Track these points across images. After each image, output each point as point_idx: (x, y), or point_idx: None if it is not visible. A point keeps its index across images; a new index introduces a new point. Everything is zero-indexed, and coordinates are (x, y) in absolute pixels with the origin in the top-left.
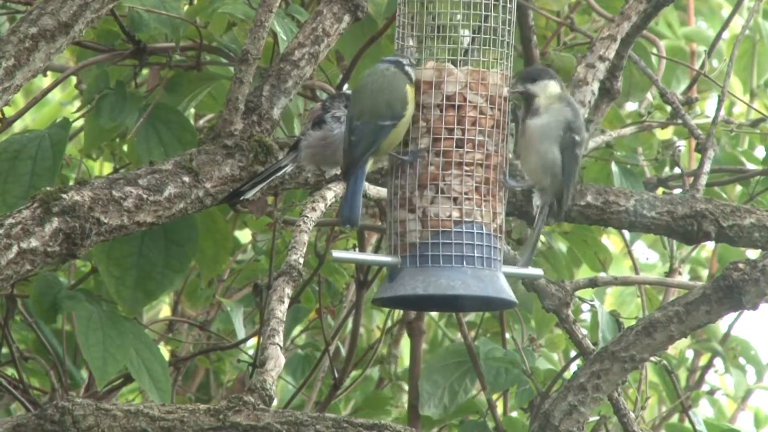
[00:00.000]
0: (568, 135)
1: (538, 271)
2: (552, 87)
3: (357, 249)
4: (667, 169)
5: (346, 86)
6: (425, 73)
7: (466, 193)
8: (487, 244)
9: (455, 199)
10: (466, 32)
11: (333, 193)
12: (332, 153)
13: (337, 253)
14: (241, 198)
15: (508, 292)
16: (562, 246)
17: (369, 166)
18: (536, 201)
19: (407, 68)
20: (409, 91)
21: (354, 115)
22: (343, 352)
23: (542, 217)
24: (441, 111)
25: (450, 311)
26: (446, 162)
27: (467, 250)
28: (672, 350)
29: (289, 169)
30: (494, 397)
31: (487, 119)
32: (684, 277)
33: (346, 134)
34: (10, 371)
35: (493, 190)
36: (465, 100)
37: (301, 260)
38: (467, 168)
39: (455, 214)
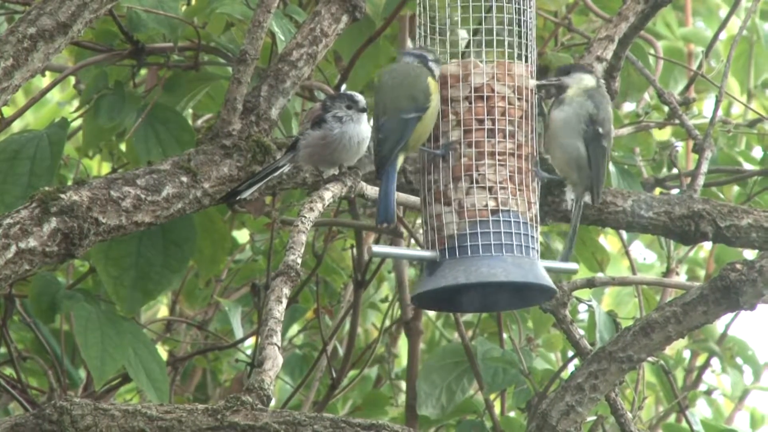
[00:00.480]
0: (591, 128)
1: (574, 266)
2: (587, 80)
3: (354, 247)
4: (664, 169)
5: (344, 86)
6: (451, 68)
7: (500, 183)
8: (524, 232)
9: (490, 189)
10: (484, 27)
11: (331, 193)
12: (330, 153)
13: (376, 248)
14: (238, 198)
15: (547, 279)
16: (559, 246)
17: (400, 162)
18: (569, 195)
19: (430, 63)
20: (431, 82)
21: (379, 112)
22: (341, 352)
23: (578, 211)
24: (470, 103)
25: (486, 311)
26: (479, 152)
27: (505, 238)
28: (669, 350)
29: (286, 169)
30: (492, 397)
31: (515, 110)
32: (681, 278)
33: (373, 133)
34: (9, 371)
35: (526, 179)
36: (493, 91)
37: (299, 260)
38: (500, 158)
39: (491, 204)
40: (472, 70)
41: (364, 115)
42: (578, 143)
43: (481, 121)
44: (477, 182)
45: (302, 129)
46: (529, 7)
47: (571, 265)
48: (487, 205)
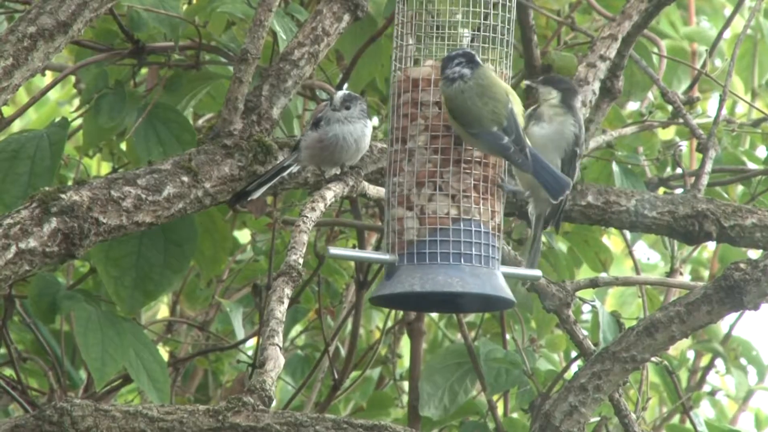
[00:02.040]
0: (572, 149)
1: (537, 272)
2: (553, 97)
3: (356, 247)
4: (668, 169)
5: (345, 86)
6: (423, 71)
7: (464, 191)
8: (485, 242)
9: (453, 197)
10: (466, 31)
11: (333, 193)
12: (330, 154)
13: (333, 250)
14: (248, 198)
15: (506, 291)
16: (562, 246)
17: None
18: (531, 210)
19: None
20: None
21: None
22: (343, 352)
23: (540, 227)
24: (439, 108)
25: (447, 312)
26: (444, 159)
27: (465, 247)
28: (673, 351)
29: (294, 169)
30: (495, 397)
31: None
32: (685, 278)
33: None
34: (9, 372)
35: (492, 188)
36: None
37: (301, 260)
38: (465, 165)
39: (453, 212)
40: None
41: (354, 112)
42: (557, 161)
43: (448, 128)
44: (440, 189)
45: (304, 129)
46: (509, 13)
47: (533, 272)
48: (448, 213)
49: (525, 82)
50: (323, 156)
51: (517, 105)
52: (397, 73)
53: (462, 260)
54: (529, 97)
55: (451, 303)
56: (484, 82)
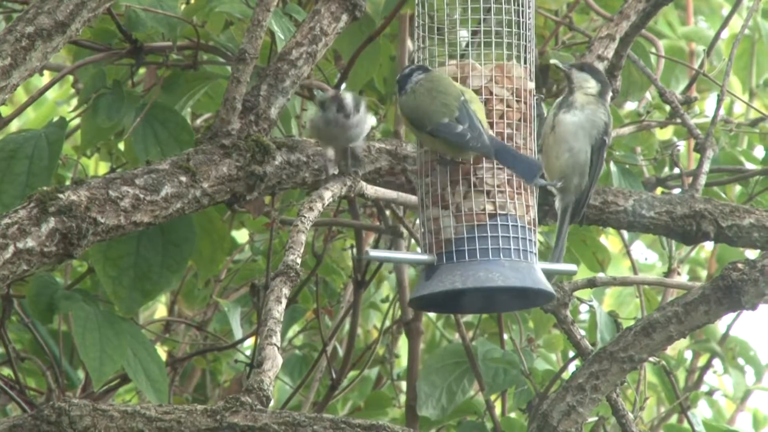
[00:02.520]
0: (601, 137)
1: (572, 267)
2: (591, 86)
3: (354, 248)
4: (666, 168)
5: (344, 85)
6: (449, 69)
7: (498, 186)
8: (522, 236)
9: (488, 193)
10: (483, 28)
11: (330, 192)
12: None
13: (373, 252)
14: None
15: (546, 284)
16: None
17: None
18: (557, 203)
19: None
20: None
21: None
22: (341, 352)
23: (566, 221)
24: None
25: (484, 311)
26: (477, 156)
27: (503, 242)
28: (671, 351)
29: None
30: (492, 397)
31: (514, 112)
32: (683, 278)
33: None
34: (7, 372)
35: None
36: (491, 93)
37: (299, 260)
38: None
39: (489, 208)
40: (470, 72)
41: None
42: (587, 149)
43: None
44: (475, 186)
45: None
46: (528, 8)
47: (570, 267)
48: (485, 209)
49: (553, 61)
50: (323, 133)
51: (475, 103)
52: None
53: (501, 255)
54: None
55: (489, 301)
56: (433, 81)
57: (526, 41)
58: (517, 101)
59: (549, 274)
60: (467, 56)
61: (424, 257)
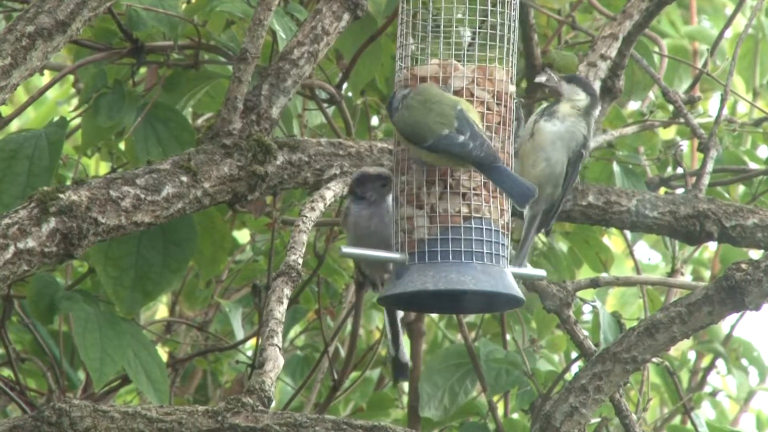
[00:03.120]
0: (579, 150)
1: (542, 272)
2: (581, 99)
3: None
4: (669, 168)
5: (345, 85)
6: (430, 69)
7: (474, 189)
8: (495, 240)
9: (464, 195)
10: (468, 30)
11: (332, 192)
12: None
13: (345, 249)
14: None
15: (516, 289)
16: (563, 246)
17: None
18: (526, 211)
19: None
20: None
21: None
22: (343, 353)
23: (532, 229)
24: None
25: (453, 312)
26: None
27: (476, 246)
28: (674, 351)
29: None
30: (495, 398)
31: (494, 115)
32: (686, 278)
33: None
34: (7, 372)
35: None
36: (472, 95)
37: (300, 260)
38: None
39: (464, 210)
40: (452, 72)
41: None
42: (564, 160)
43: None
44: (451, 187)
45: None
46: (513, 11)
47: (538, 271)
48: (459, 211)
49: (538, 79)
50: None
51: (471, 112)
52: (402, 72)
53: (473, 258)
54: (530, 95)
55: (458, 303)
56: (424, 93)
57: (509, 44)
58: (497, 104)
59: (517, 278)
60: (450, 56)
61: (397, 256)
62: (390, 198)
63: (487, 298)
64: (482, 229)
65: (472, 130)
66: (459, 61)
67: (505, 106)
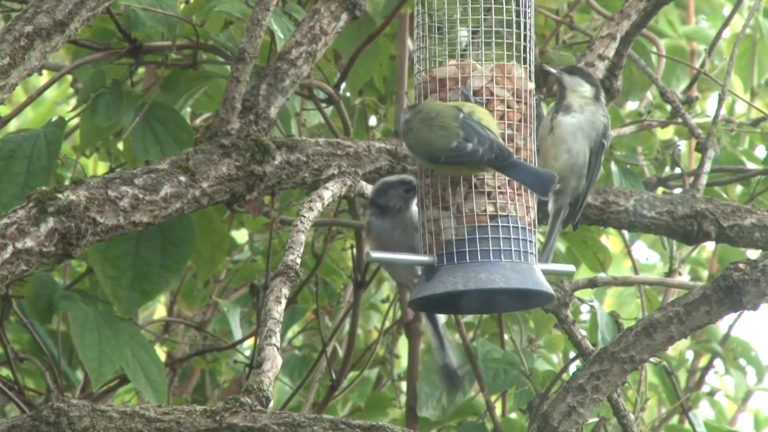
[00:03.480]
0: (600, 140)
1: (570, 268)
2: (585, 90)
3: (354, 247)
4: (667, 168)
5: (343, 85)
6: (449, 70)
7: (499, 188)
8: (523, 237)
9: (489, 194)
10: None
11: (330, 192)
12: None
13: (374, 254)
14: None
15: (546, 285)
16: (560, 246)
17: None
18: (551, 205)
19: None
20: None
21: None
22: (341, 353)
23: (556, 224)
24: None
25: (485, 312)
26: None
27: (504, 244)
28: (672, 351)
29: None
30: (493, 398)
31: (514, 113)
32: (684, 278)
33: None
34: (5, 372)
35: None
36: (492, 94)
37: (299, 260)
38: None
39: (490, 209)
40: (471, 72)
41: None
42: (586, 151)
43: None
44: (476, 187)
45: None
46: (528, 8)
47: (568, 267)
48: (485, 210)
49: (545, 66)
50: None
51: (478, 112)
52: (421, 75)
53: (502, 256)
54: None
55: (488, 302)
56: (422, 111)
57: (526, 41)
58: (517, 102)
59: (546, 275)
60: (468, 56)
61: (425, 258)
62: (413, 206)
63: (518, 295)
64: (509, 227)
65: (478, 134)
66: (477, 60)
67: (526, 103)
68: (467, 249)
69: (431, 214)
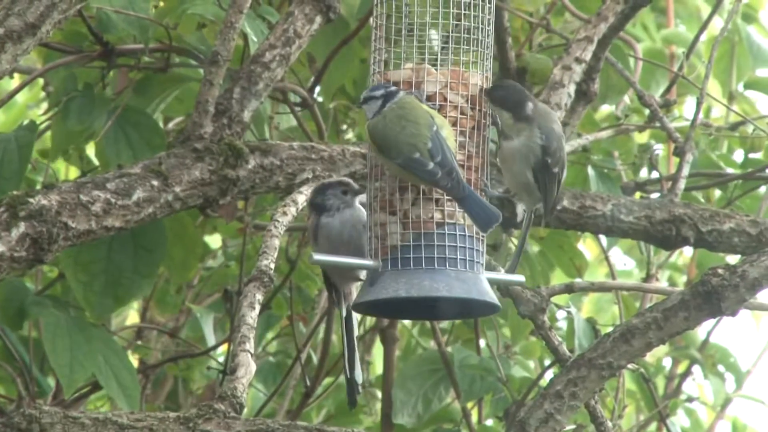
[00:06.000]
0: (541, 159)
1: (520, 277)
2: (506, 117)
3: None
4: (644, 173)
5: (318, 89)
6: (403, 74)
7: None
8: (470, 246)
9: (437, 201)
10: (441, 33)
11: (304, 197)
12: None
13: (316, 256)
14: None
15: (491, 295)
16: (535, 249)
17: None
18: (520, 208)
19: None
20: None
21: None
22: (315, 359)
23: (528, 224)
24: None
25: (428, 319)
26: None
27: (450, 252)
28: (650, 358)
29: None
30: (469, 405)
31: (468, 120)
32: (662, 284)
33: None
34: None
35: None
36: (446, 100)
37: (273, 266)
38: None
39: (437, 216)
40: (425, 77)
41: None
42: (527, 172)
43: None
44: (424, 193)
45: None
46: (488, 15)
47: (517, 277)
48: (432, 217)
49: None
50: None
51: (445, 129)
52: (376, 77)
53: (447, 265)
54: None
55: (432, 309)
56: (404, 107)
57: (484, 47)
58: (471, 108)
59: (494, 284)
60: (424, 61)
61: (369, 262)
62: (357, 204)
63: (462, 304)
64: (456, 234)
65: (444, 155)
66: (434, 65)
67: (480, 110)
68: (412, 255)
69: (378, 217)
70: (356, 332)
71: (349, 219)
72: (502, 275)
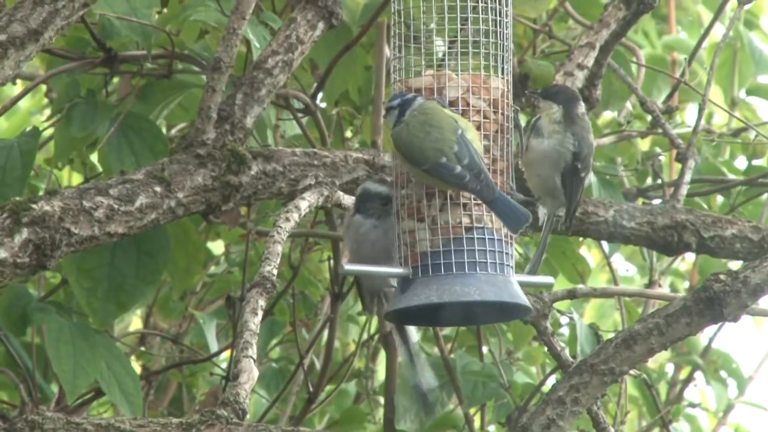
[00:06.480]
0: (571, 164)
1: (549, 279)
2: (554, 112)
3: (331, 258)
4: (648, 179)
5: (320, 95)
6: (425, 80)
7: (474, 199)
8: (499, 249)
9: (464, 205)
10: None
11: (307, 203)
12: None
13: (348, 266)
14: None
15: (523, 298)
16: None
17: None
18: (542, 211)
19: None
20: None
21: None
22: (318, 365)
23: (549, 226)
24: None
25: (462, 325)
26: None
27: (479, 256)
28: (652, 364)
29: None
30: (471, 411)
31: (491, 123)
32: (664, 290)
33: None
34: None
35: None
36: (468, 104)
37: (275, 272)
38: None
39: (465, 221)
40: (447, 83)
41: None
42: (555, 177)
43: None
44: (451, 198)
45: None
46: (506, 18)
47: (547, 279)
48: (461, 222)
49: (527, 92)
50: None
51: (470, 131)
52: (397, 85)
53: (477, 269)
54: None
55: (465, 314)
56: (426, 113)
57: (503, 51)
58: (494, 112)
59: (525, 287)
60: (444, 66)
61: (400, 270)
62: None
63: (495, 307)
64: (485, 239)
65: (471, 158)
66: (454, 71)
67: (503, 113)
68: (442, 261)
69: (406, 225)
70: (414, 338)
71: (380, 224)
72: (531, 278)
